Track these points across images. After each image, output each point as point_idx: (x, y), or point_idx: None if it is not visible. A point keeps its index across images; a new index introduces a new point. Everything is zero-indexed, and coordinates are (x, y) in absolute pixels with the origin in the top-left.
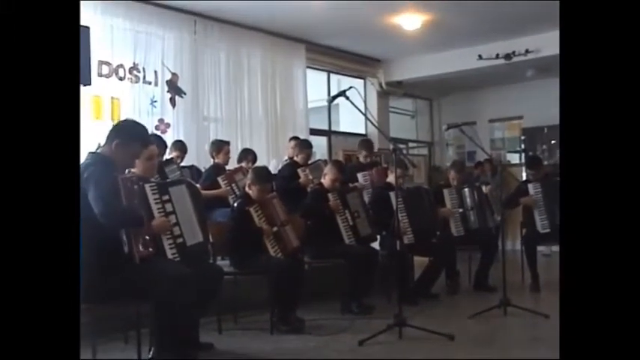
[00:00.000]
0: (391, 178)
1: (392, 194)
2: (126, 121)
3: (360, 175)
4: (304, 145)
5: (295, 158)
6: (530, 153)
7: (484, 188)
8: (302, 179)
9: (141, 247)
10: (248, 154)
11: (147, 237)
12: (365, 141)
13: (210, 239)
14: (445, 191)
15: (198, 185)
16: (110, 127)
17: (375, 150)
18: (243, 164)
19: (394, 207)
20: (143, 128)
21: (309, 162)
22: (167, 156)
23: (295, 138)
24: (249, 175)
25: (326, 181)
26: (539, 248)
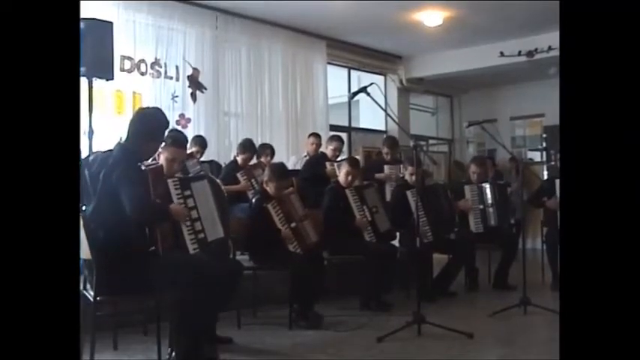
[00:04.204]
0: (407, 176)
1: (409, 192)
2: (148, 112)
3: (386, 167)
4: (335, 138)
5: (324, 150)
6: (552, 150)
7: (509, 189)
8: (328, 169)
9: (164, 240)
10: (266, 149)
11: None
12: (389, 138)
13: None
14: (466, 187)
15: (218, 181)
16: (133, 120)
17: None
18: (262, 159)
19: (411, 204)
20: (164, 115)
21: (339, 159)
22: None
23: (314, 134)
24: (266, 172)
25: (340, 176)
26: None
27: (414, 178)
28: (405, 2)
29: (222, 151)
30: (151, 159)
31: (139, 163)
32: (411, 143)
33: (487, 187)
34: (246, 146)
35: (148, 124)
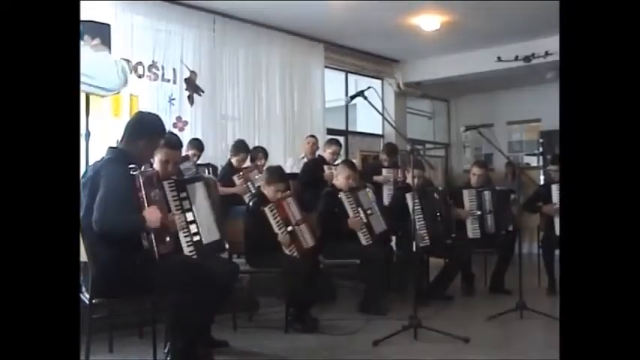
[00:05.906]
0: (409, 178)
1: (408, 195)
2: (146, 115)
3: (384, 170)
4: (333, 142)
5: (322, 154)
6: (549, 156)
7: (512, 195)
8: (326, 173)
9: (161, 245)
10: (259, 152)
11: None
12: (388, 144)
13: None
14: (465, 192)
15: (213, 178)
16: (130, 122)
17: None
18: (256, 162)
19: (410, 208)
20: (161, 121)
21: (337, 162)
22: (183, 154)
23: (312, 136)
24: (264, 175)
25: (339, 181)
26: (557, 252)
27: (416, 180)
28: (402, 6)
29: (220, 154)
30: (144, 165)
31: (130, 165)
32: (408, 147)
33: (486, 193)
34: (239, 147)
35: (144, 127)
